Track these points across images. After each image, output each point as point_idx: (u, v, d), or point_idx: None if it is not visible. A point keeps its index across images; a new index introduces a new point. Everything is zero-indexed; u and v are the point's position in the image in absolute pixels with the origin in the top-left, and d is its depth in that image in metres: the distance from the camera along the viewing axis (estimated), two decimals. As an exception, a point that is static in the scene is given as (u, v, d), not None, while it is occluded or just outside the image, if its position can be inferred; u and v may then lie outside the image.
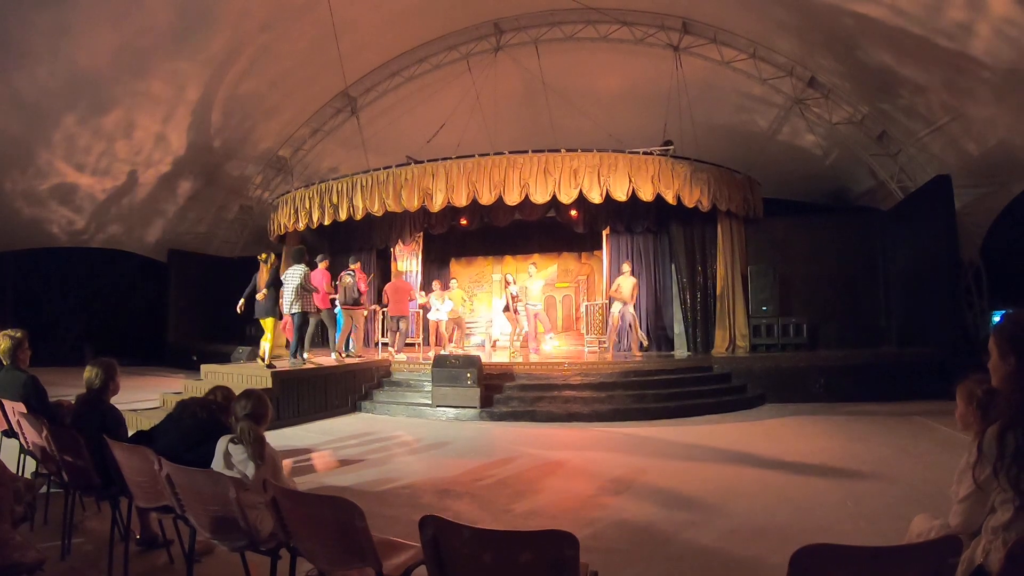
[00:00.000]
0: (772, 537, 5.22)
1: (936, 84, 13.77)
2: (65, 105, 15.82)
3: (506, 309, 15.53)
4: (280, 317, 12.45)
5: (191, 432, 4.43)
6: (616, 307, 15.29)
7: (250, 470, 3.94)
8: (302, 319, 12.28)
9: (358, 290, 14.06)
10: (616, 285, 15.48)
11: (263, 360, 12.05)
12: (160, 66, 16.15)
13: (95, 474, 4.53)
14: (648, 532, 5.52)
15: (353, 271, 14.22)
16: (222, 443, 4.10)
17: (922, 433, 9.67)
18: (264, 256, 12.28)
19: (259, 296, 11.89)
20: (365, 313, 15.21)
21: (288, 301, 12.05)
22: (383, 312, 16.14)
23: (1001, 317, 2.78)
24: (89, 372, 5.06)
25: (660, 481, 7.26)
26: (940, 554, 2.29)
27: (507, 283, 15.62)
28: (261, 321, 12.25)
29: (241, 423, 4.05)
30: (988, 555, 2.48)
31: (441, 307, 15.68)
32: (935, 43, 12.65)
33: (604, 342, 16.45)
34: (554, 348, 16.05)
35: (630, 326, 15.55)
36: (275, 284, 12.03)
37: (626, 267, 15.71)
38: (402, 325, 15.65)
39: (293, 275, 12.02)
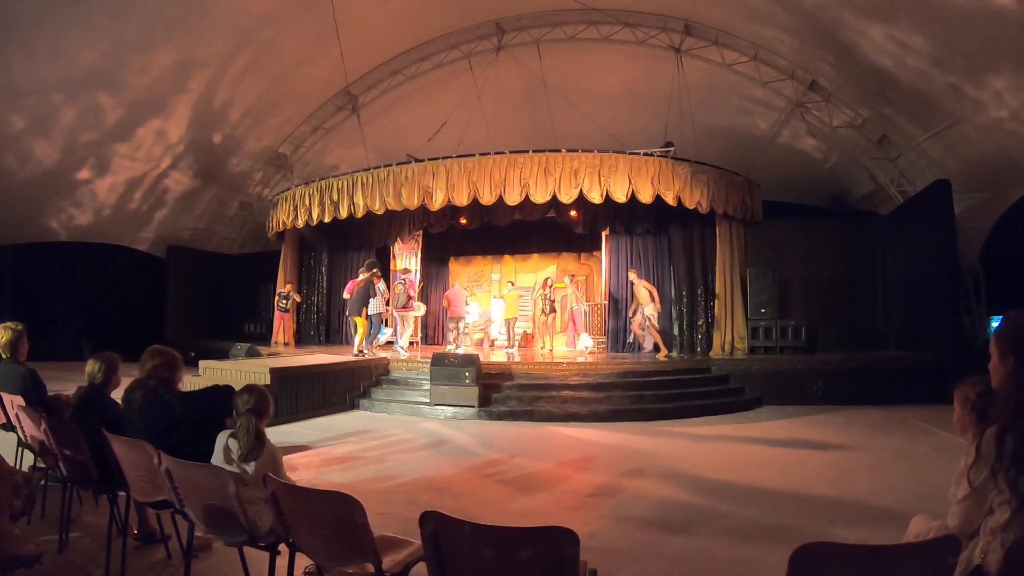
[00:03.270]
0: (770, 537, 5.22)
1: (937, 89, 13.79)
2: (65, 99, 15.80)
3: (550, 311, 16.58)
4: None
5: (156, 421, 4.40)
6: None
7: (250, 465, 3.94)
8: (378, 319, 14.72)
9: (407, 295, 15.74)
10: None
11: (357, 351, 14.01)
12: (161, 61, 16.14)
13: (93, 468, 4.52)
14: (647, 531, 5.53)
15: (404, 280, 16.25)
16: (222, 437, 4.09)
17: (920, 436, 9.67)
18: (364, 267, 14.89)
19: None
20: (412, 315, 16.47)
21: (371, 304, 14.27)
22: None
23: (1002, 319, 2.78)
24: (92, 366, 5.03)
25: (658, 481, 7.27)
26: (938, 554, 2.29)
27: (547, 284, 16.67)
28: (354, 319, 14.33)
29: (242, 418, 4.03)
30: (986, 556, 2.49)
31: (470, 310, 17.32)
32: (936, 48, 12.68)
33: (603, 342, 16.50)
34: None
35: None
36: (367, 292, 14.30)
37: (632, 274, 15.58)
38: (461, 325, 17.13)
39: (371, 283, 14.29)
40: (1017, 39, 11.34)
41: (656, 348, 15.05)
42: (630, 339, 16.47)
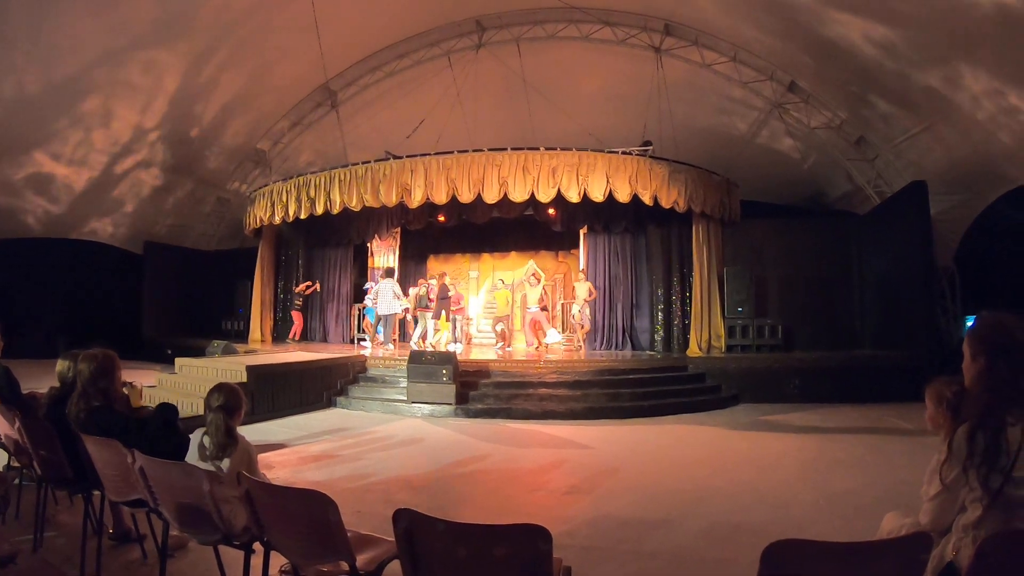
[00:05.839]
0: (746, 535, 5.23)
1: (915, 92, 13.91)
2: (42, 93, 15.62)
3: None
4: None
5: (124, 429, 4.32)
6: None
7: (223, 463, 3.91)
8: (394, 318, 15.98)
9: (429, 298, 16.22)
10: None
11: (432, 346, 15.53)
12: (139, 55, 16.02)
13: (68, 467, 4.46)
14: (622, 530, 5.53)
15: (427, 284, 16.65)
16: (197, 435, 4.07)
17: (894, 434, 9.76)
18: (440, 273, 16.95)
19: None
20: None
21: (384, 304, 15.38)
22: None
23: (975, 319, 2.82)
24: (61, 365, 4.97)
25: (634, 479, 7.29)
26: (910, 550, 2.30)
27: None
28: (439, 321, 16.14)
29: (212, 415, 4.01)
30: (958, 552, 2.51)
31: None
32: (915, 51, 12.79)
33: (580, 341, 16.58)
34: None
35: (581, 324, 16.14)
36: (443, 296, 15.98)
37: (581, 275, 16.53)
38: (458, 323, 17.79)
39: (386, 286, 15.42)
40: (994, 41, 11.47)
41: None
42: (569, 334, 16.84)
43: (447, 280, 16.35)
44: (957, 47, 12.39)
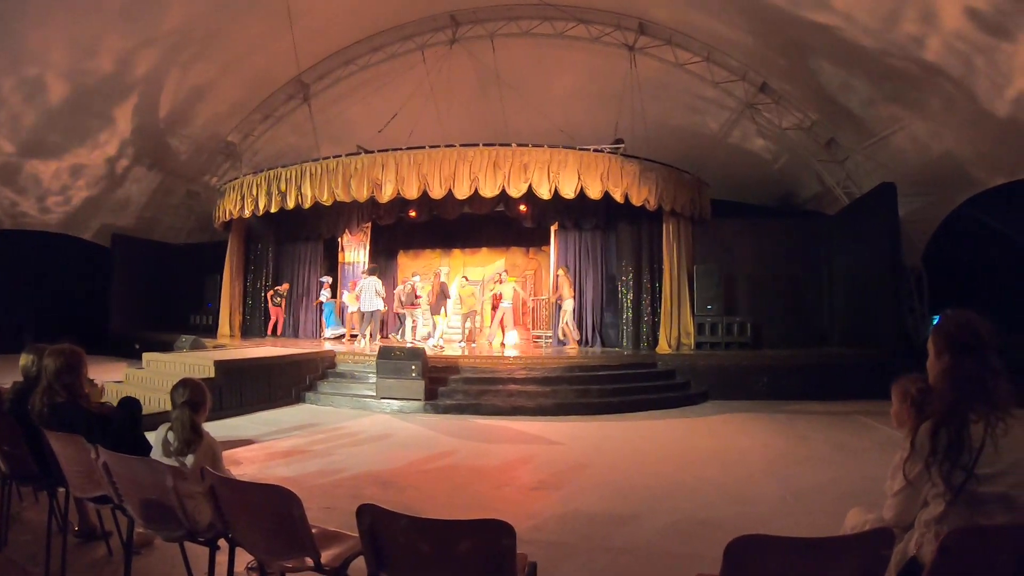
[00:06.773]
0: (712, 530, 5.26)
1: (885, 95, 14.08)
2: (10, 82, 15.38)
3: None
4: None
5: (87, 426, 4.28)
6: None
7: (188, 458, 3.88)
8: (378, 314, 16.05)
9: (415, 294, 16.62)
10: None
11: (437, 345, 15.43)
12: (109, 45, 15.76)
13: (32, 463, 4.41)
14: (590, 525, 5.54)
15: (413, 282, 16.95)
16: (161, 430, 4.03)
17: (861, 431, 9.85)
18: (436, 272, 17.19)
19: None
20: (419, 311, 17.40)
21: (367, 301, 15.46)
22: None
23: (939, 317, 2.85)
24: (25, 359, 4.91)
25: (602, 475, 7.31)
26: (873, 546, 2.32)
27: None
28: (433, 316, 16.14)
29: (176, 411, 3.97)
30: (921, 547, 2.53)
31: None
32: (886, 55, 12.95)
33: (550, 337, 16.60)
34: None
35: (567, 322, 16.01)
36: (442, 292, 15.96)
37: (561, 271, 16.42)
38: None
39: (369, 284, 15.49)
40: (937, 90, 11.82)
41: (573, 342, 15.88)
42: (560, 335, 16.59)
43: (443, 277, 16.63)
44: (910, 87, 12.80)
